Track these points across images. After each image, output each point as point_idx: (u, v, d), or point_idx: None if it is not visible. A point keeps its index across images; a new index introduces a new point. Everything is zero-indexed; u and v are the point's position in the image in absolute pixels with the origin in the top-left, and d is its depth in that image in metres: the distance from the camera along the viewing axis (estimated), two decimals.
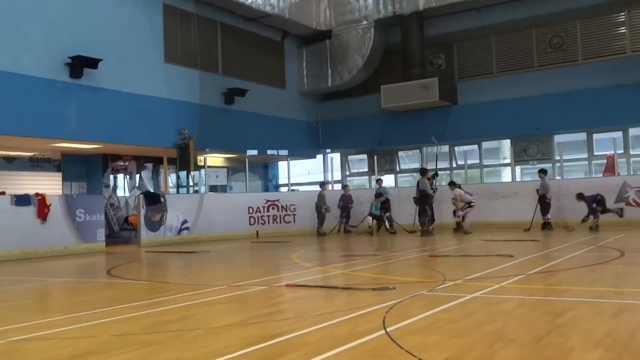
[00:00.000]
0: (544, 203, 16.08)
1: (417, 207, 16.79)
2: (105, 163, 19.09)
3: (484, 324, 4.56)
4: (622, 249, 9.94)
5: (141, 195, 16.01)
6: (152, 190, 19.24)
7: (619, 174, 17.60)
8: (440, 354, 3.68)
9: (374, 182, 19.27)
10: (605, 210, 15.36)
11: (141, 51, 17.09)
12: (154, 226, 15.83)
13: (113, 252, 13.89)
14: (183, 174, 18.43)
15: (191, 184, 18.50)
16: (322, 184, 18.81)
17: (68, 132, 15.27)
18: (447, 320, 4.75)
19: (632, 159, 19.40)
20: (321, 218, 17.91)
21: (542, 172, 16.47)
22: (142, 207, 15.64)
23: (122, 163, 19.55)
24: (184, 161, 17.97)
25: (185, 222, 16.57)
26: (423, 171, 16.77)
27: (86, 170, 19.20)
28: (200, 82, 18.89)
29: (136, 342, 4.38)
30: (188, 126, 17.94)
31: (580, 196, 15.55)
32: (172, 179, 19.78)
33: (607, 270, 7.58)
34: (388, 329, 4.41)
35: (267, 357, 3.77)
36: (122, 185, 19.93)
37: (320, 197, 18.09)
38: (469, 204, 16.34)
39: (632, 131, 19.35)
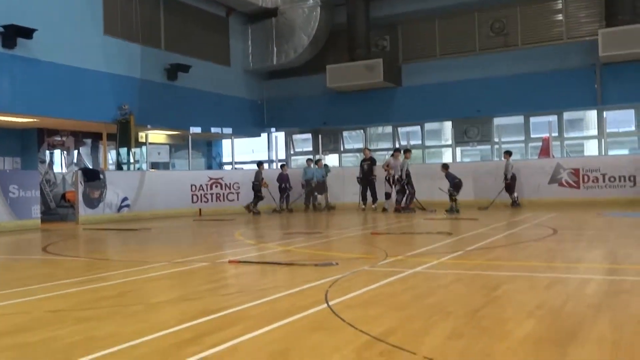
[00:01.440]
0: (506, 183, 16.50)
1: (366, 186, 17.13)
2: (41, 138, 18.36)
3: (423, 298, 4.65)
4: (555, 227, 10.35)
5: (79, 172, 15.53)
6: (90, 167, 18.67)
7: (553, 156, 18.28)
8: (381, 326, 3.73)
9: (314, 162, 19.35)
10: (452, 196, 15.33)
11: (79, 22, 16.45)
12: (92, 203, 15.41)
13: (49, 229, 13.44)
14: (123, 150, 17.95)
15: (132, 161, 18.05)
16: (260, 163, 18.71)
17: (0, 105, 14.59)
18: (388, 294, 4.83)
19: (566, 142, 20.18)
20: (258, 197, 17.82)
21: (507, 153, 16.83)
22: (80, 183, 15.17)
23: (59, 138, 18.86)
24: (124, 137, 17.50)
25: (125, 199, 16.20)
26: (407, 151, 16.55)
27: (20, 145, 18.43)
28: (141, 56, 18.37)
29: (72, 318, 4.25)
30: (129, 101, 17.45)
31: (445, 167, 15.90)
32: (112, 155, 19.25)
33: (540, 246, 7.88)
34: (330, 303, 4.45)
35: (207, 331, 3.73)
36: (59, 161, 19.26)
37: (257, 174, 17.97)
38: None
39: (567, 115, 20.12)
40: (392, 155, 16.95)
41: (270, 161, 23.10)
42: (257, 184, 17.82)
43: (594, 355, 3.03)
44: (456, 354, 3.10)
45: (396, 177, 16.24)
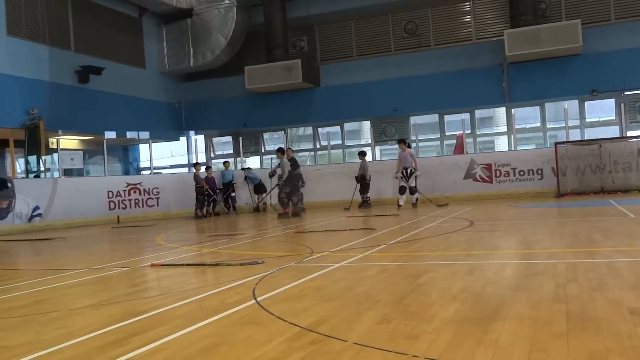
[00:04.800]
0: (363, 183, 16.93)
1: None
2: None
3: (351, 289, 4.71)
4: (471, 219, 10.77)
5: None
6: None
7: (467, 152, 19.00)
8: (311, 317, 3.75)
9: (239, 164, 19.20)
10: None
11: None
12: (0, 214, 14.56)
13: None
14: (33, 158, 17.07)
15: (42, 168, 17.20)
16: (196, 164, 18.52)
17: None
18: (316, 288, 4.85)
19: (478, 139, 21.03)
20: (201, 200, 17.56)
21: (361, 154, 17.37)
22: None
23: None
24: (33, 144, 16.66)
25: (37, 208, 15.43)
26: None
27: None
28: (50, 58, 17.56)
29: None
30: (37, 106, 16.65)
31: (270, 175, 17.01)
32: (20, 163, 18.26)
33: (459, 237, 8.17)
34: (258, 299, 4.42)
35: (133, 332, 3.61)
36: None
37: (197, 177, 17.72)
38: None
39: (478, 113, 20.97)
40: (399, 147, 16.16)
41: (190, 165, 22.69)
42: (200, 186, 17.53)
43: (515, 330, 3.17)
44: (385, 338, 3.16)
45: (409, 169, 15.80)
